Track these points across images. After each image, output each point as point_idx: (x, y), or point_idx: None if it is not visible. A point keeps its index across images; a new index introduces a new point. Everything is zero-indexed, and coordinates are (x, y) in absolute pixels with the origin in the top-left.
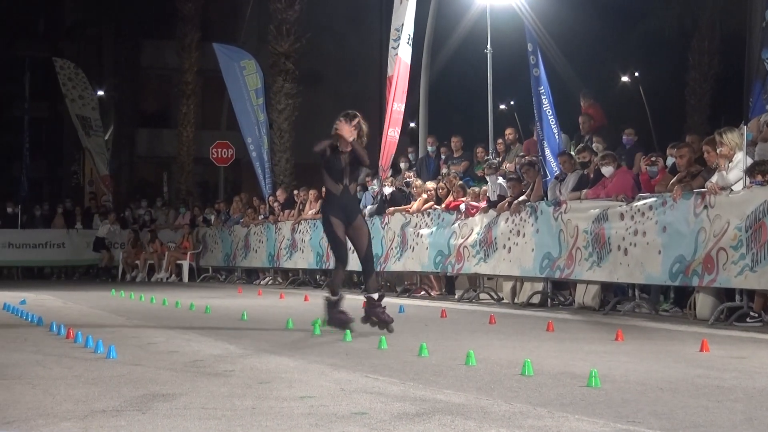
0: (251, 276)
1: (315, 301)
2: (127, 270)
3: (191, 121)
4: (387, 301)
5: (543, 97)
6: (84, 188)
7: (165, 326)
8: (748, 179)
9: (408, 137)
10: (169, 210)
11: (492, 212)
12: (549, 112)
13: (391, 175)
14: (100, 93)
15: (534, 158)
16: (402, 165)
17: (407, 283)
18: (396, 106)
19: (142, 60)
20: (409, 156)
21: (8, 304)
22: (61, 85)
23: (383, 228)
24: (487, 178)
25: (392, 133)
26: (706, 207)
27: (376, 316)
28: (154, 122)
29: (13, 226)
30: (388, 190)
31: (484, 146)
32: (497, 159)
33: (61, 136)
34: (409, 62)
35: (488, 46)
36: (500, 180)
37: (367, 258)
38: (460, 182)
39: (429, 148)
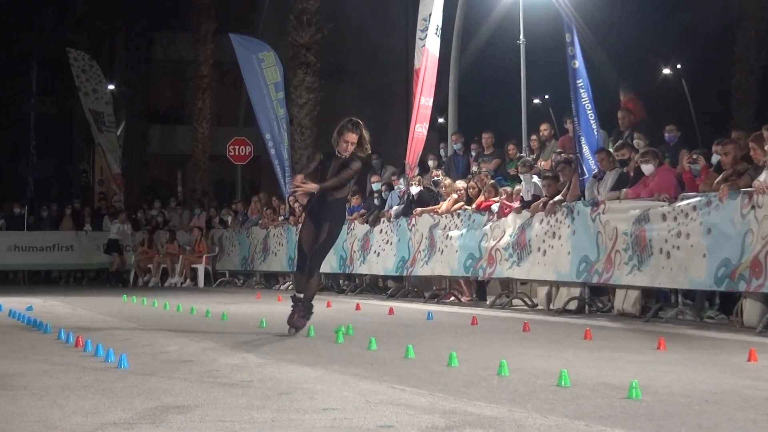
0: (270, 280)
1: (338, 307)
2: (139, 274)
3: (207, 116)
4: (414, 307)
5: (582, 90)
6: (94, 188)
7: (179, 334)
8: None
9: (437, 133)
10: (183, 211)
11: (526, 213)
12: (588, 106)
13: (419, 174)
14: (111, 87)
15: (570, 155)
16: (430, 163)
17: (436, 289)
18: (423, 100)
19: (155, 53)
20: (441, 152)
21: (14, 310)
22: (74, 77)
23: (410, 230)
24: (521, 177)
25: (419, 129)
26: (753, 207)
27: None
28: (167, 118)
29: (19, 227)
30: (415, 189)
31: (516, 143)
32: (531, 156)
33: (70, 133)
34: (437, 54)
35: (521, 36)
36: (535, 179)
37: (314, 257)
38: (492, 181)
39: (454, 146)
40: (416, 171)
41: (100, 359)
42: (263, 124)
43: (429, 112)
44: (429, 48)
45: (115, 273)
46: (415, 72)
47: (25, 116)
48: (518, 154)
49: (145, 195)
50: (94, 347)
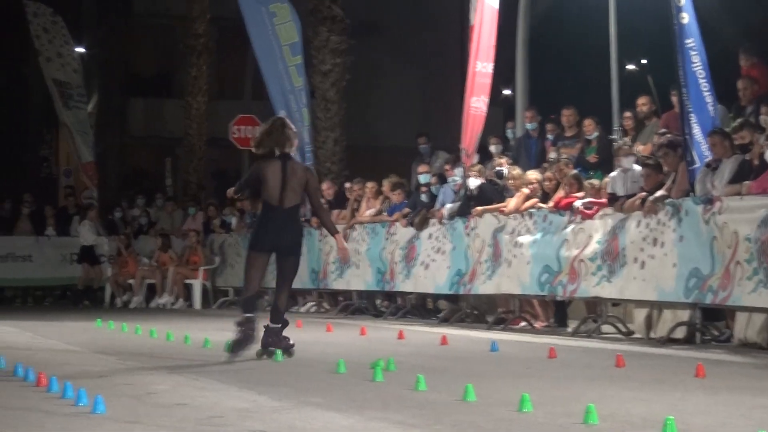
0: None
1: (375, 335)
2: (116, 292)
3: (203, 88)
4: (473, 335)
5: (692, 52)
6: (58, 180)
7: (170, 370)
8: None
9: (501, 109)
10: (173, 210)
11: (618, 213)
12: (701, 74)
13: (479, 162)
14: (80, 50)
15: (677, 137)
16: (493, 148)
17: (501, 311)
18: (480, 66)
19: (136, 5)
20: (507, 133)
21: None
22: (33, 37)
23: (468, 234)
24: (622, 162)
25: (476, 103)
26: None
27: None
28: (152, 90)
29: None
30: (474, 182)
31: (600, 121)
32: (625, 139)
33: (25, 110)
34: (496, 6)
35: None
36: (636, 167)
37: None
38: (575, 171)
39: (528, 125)
40: (475, 158)
41: (68, 402)
42: (276, 97)
43: (488, 81)
44: None
45: (85, 290)
46: (469, 29)
47: None
48: (609, 136)
49: (125, 189)
50: (60, 387)
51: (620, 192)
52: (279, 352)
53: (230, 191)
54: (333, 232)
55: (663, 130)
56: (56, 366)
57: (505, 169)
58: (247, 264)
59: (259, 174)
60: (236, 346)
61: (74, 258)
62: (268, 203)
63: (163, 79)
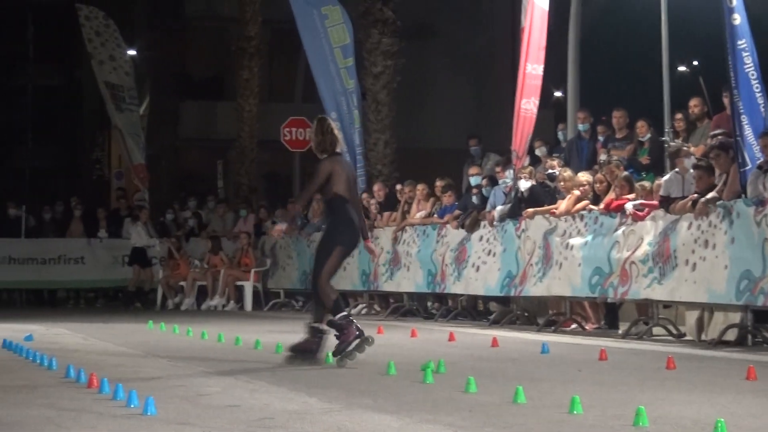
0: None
1: (426, 337)
2: (168, 294)
3: (254, 90)
4: (524, 337)
5: (744, 54)
6: (110, 183)
7: (221, 371)
8: None
9: (553, 111)
10: (225, 212)
11: (669, 215)
12: (752, 75)
13: (529, 164)
14: (132, 53)
15: (728, 139)
16: (538, 151)
17: (552, 313)
18: (530, 68)
19: (188, 8)
20: (559, 135)
21: (10, 340)
22: (86, 41)
23: (519, 236)
24: (682, 164)
25: (527, 105)
26: None
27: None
28: (204, 92)
29: (15, 234)
30: (525, 184)
31: (652, 123)
32: (676, 141)
33: (78, 113)
34: (546, 7)
35: None
36: (692, 170)
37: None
38: (626, 173)
39: (580, 127)
40: (526, 160)
41: (119, 403)
42: (327, 99)
43: (539, 83)
44: (536, 0)
45: (136, 292)
46: (521, 31)
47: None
48: (661, 138)
49: (177, 192)
50: (112, 388)
51: (675, 194)
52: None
53: (299, 205)
54: (366, 236)
55: (717, 131)
56: (108, 368)
57: (556, 171)
58: (337, 263)
59: (330, 172)
60: (305, 356)
61: (125, 260)
62: (343, 198)
63: (215, 82)
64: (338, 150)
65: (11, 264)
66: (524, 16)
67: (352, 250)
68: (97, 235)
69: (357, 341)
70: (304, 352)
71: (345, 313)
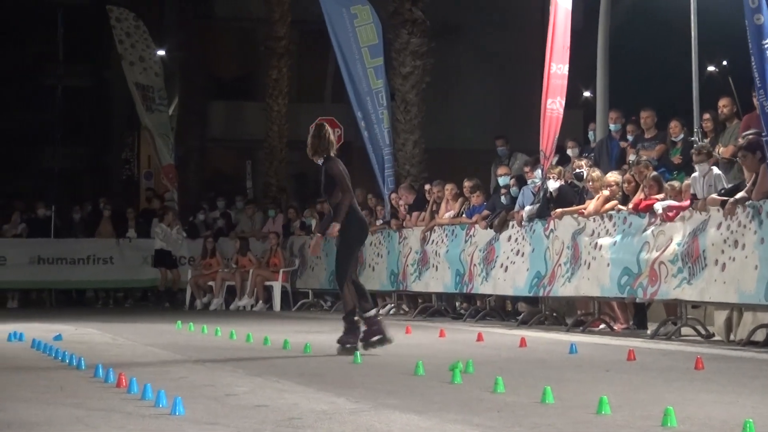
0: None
1: (454, 337)
2: (196, 294)
3: (283, 90)
4: (552, 337)
5: None
6: (139, 183)
7: (249, 371)
8: None
9: (582, 111)
10: (254, 212)
11: (698, 215)
12: None
13: (558, 164)
14: (161, 53)
15: (758, 138)
16: (570, 151)
17: (581, 313)
18: (555, 68)
19: (217, 8)
20: (590, 135)
21: (39, 340)
22: (116, 42)
23: (547, 236)
24: (696, 168)
25: (552, 105)
26: None
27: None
28: (233, 92)
29: (44, 234)
30: (553, 184)
31: (683, 122)
32: (705, 141)
33: (107, 113)
34: (570, 7)
35: None
36: (714, 170)
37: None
38: (655, 173)
39: (611, 127)
40: (553, 160)
41: (148, 403)
42: (354, 98)
43: (564, 82)
44: (559, 0)
45: (165, 292)
46: (547, 31)
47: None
48: (690, 138)
49: (205, 192)
50: (140, 388)
51: (699, 194)
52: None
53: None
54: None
55: (749, 131)
56: (136, 367)
57: (584, 172)
58: (353, 259)
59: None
60: (378, 344)
61: (152, 260)
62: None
63: (243, 82)
64: (332, 154)
65: (41, 264)
66: (549, 16)
67: (364, 241)
68: (126, 235)
69: (378, 337)
70: (376, 337)
71: (372, 312)
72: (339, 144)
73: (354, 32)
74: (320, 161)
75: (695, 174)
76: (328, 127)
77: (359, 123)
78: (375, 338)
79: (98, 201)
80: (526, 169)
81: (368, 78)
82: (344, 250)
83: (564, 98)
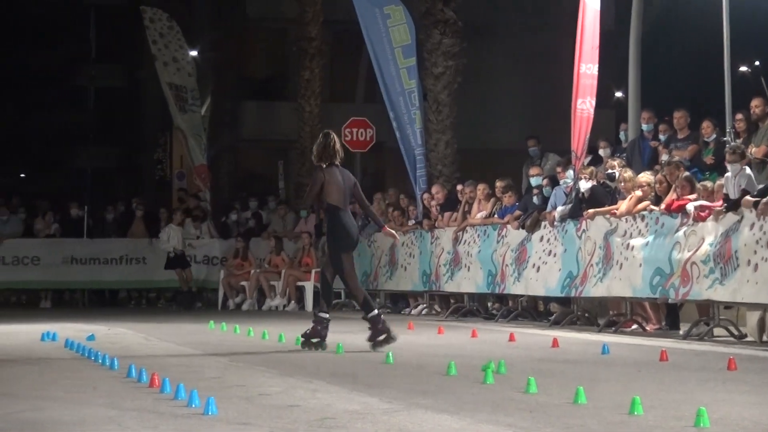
0: (398, 303)
1: (486, 337)
2: (229, 294)
3: (316, 90)
4: (584, 338)
5: None
6: (172, 183)
7: (282, 371)
8: None
9: (614, 111)
10: (286, 212)
11: (731, 215)
12: None
13: (590, 164)
14: (194, 54)
15: None
16: (602, 151)
17: (613, 314)
18: (585, 68)
19: (249, 9)
20: (621, 135)
21: (72, 340)
22: (150, 43)
23: (579, 237)
24: (728, 168)
25: (582, 105)
26: None
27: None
28: (265, 93)
29: (77, 234)
30: (585, 185)
31: (716, 122)
32: (737, 141)
33: (139, 113)
34: (598, 7)
35: None
36: (746, 169)
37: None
38: (687, 174)
39: (644, 127)
40: (585, 160)
41: (181, 403)
42: (387, 98)
43: (594, 82)
44: (587, 0)
45: (197, 292)
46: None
47: (81, 91)
48: (723, 138)
49: (237, 192)
50: (173, 388)
51: (732, 195)
52: (390, 354)
53: (303, 209)
54: (381, 224)
55: None
56: (169, 367)
57: (616, 172)
58: (347, 265)
59: (321, 182)
60: (384, 343)
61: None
62: (336, 207)
63: (276, 82)
64: (336, 162)
65: (73, 264)
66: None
67: (353, 249)
68: (158, 235)
69: (384, 336)
70: (382, 336)
71: (376, 312)
72: (371, 144)
73: (387, 32)
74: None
75: (728, 174)
76: (334, 136)
77: (392, 123)
78: (381, 337)
79: (131, 201)
80: (558, 169)
81: (401, 78)
82: (333, 258)
83: (594, 98)
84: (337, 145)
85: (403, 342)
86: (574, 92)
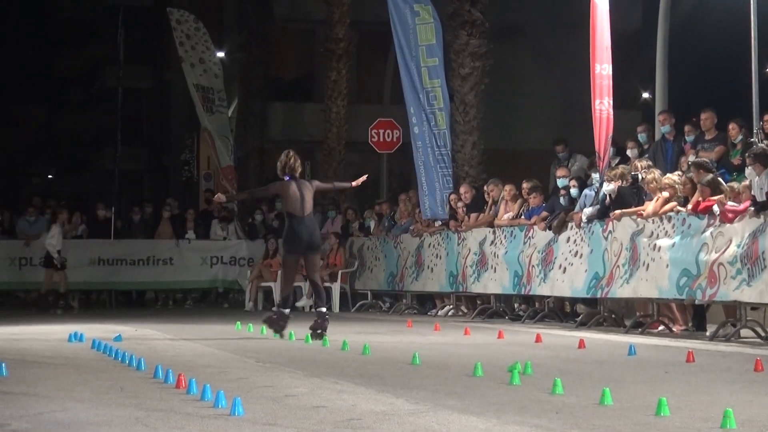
0: (425, 304)
1: (513, 338)
2: (251, 296)
3: (342, 92)
4: (611, 339)
5: None
6: (199, 184)
7: (308, 372)
8: None
9: (641, 112)
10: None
11: (759, 217)
12: None
13: (617, 165)
14: (220, 55)
15: None
16: (629, 152)
17: (639, 315)
18: (599, 68)
19: (276, 10)
20: (639, 138)
21: (99, 341)
22: (177, 44)
23: (606, 238)
24: (747, 170)
25: (600, 105)
26: None
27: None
28: (292, 94)
29: (104, 235)
30: (608, 186)
31: (742, 123)
32: (765, 142)
33: (167, 115)
34: (606, 6)
35: None
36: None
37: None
38: (710, 176)
39: (661, 128)
40: (613, 161)
41: (207, 404)
42: (408, 95)
43: (609, 82)
44: (597, 0)
45: (223, 293)
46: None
47: (109, 92)
48: (750, 139)
49: None
50: (199, 389)
51: (761, 196)
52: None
53: (221, 197)
54: (349, 184)
55: None
56: (196, 368)
57: (640, 174)
58: (288, 265)
59: (278, 191)
60: (277, 328)
61: (213, 261)
62: (292, 214)
63: (303, 83)
64: (296, 175)
65: (101, 265)
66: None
67: (301, 253)
68: (185, 236)
69: (277, 328)
70: (320, 330)
71: (285, 310)
72: (397, 145)
73: (415, 29)
74: (286, 178)
75: (755, 177)
76: (293, 154)
77: (409, 119)
78: (276, 327)
79: (162, 202)
80: (589, 171)
81: (421, 76)
82: (283, 257)
83: (611, 98)
84: (296, 163)
85: (430, 343)
86: (591, 93)
